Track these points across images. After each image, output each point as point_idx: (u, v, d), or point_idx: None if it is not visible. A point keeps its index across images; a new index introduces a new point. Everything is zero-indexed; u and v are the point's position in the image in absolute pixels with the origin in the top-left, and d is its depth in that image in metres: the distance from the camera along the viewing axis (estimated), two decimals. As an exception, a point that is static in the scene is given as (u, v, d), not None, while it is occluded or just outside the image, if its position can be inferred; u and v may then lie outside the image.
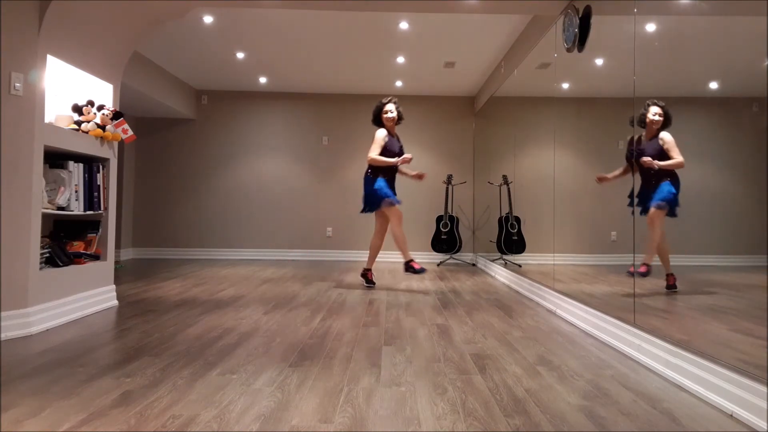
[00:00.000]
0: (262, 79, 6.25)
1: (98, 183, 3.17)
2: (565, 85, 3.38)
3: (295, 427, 1.47)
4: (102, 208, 3.22)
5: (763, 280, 1.64)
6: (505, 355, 2.26)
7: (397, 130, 4.45)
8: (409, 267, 4.15)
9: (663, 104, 2.36)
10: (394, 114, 4.16)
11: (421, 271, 4.13)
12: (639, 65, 2.34)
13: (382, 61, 5.44)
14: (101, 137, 3.14)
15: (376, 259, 6.70)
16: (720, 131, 1.90)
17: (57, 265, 2.89)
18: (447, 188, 6.36)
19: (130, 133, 3.30)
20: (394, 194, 4.19)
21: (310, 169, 6.82)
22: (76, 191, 3.02)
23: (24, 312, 2.54)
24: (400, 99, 6.67)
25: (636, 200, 2.75)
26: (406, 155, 4.10)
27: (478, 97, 6.63)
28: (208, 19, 4.33)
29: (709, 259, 1.96)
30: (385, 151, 4.11)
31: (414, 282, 4.67)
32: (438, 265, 6.27)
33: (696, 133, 2.05)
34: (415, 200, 6.65)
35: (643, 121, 2.60)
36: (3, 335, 2.44)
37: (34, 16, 2.61)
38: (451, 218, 6.38)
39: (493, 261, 5.45)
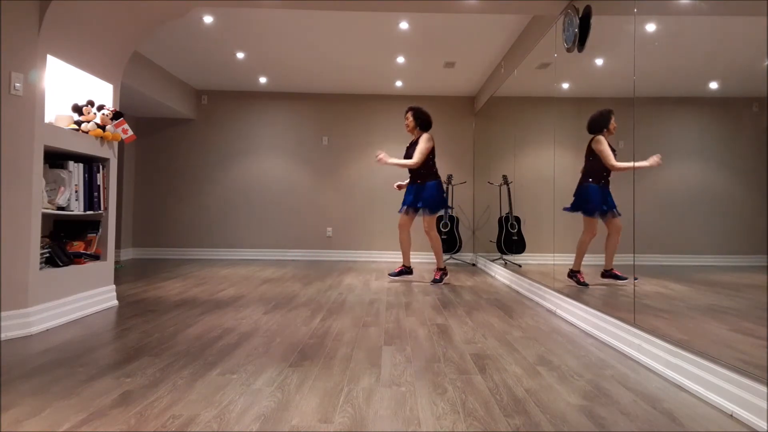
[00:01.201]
0: (262, 79, 6.25)
1: (98, 183, 3.18)
2: (565, 85, 3.38)
3: (295, 427, 1.47)
4: (102, 208, 3.22)
5: (763, 280, 1.64)
6: (505, 355, 2.26)
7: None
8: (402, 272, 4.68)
9: None
10: (407, 121, 4.61)
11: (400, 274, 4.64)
12: (639, 65, 2.34)
13: (382, 61, 5.44)
14: (101, 137, 3.14)
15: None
16: (720, 131, 1.90)
17: (57, 265, 2.89)
18: (447, 188, 6.36)
19: (130, 133, 3.30)
20: (411, 199, 4.52)
21: (310, 169, 6.82)
22: (76, 191, 3.02)
23: (24, 312, 2.54)
24: (400, 99, 6.71)
25: (584, 201, 3.03)
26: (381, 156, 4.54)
27: (478, 97, 6.63)
28: (208, 19, 4.33)
29: (709, 259, 1.96)
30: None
31: (413, 278, 4.68)
32: (438, 265, 6.27)
33: (696, 133, 2.04)
34: (415, 200, 6.65)
35: (607, 126, 2.85)
36: (3, 335, 2.44)
37: (34, 16, 2.61)
38: (451, 218, 6.38)
39: (493, 261, 5.45)
